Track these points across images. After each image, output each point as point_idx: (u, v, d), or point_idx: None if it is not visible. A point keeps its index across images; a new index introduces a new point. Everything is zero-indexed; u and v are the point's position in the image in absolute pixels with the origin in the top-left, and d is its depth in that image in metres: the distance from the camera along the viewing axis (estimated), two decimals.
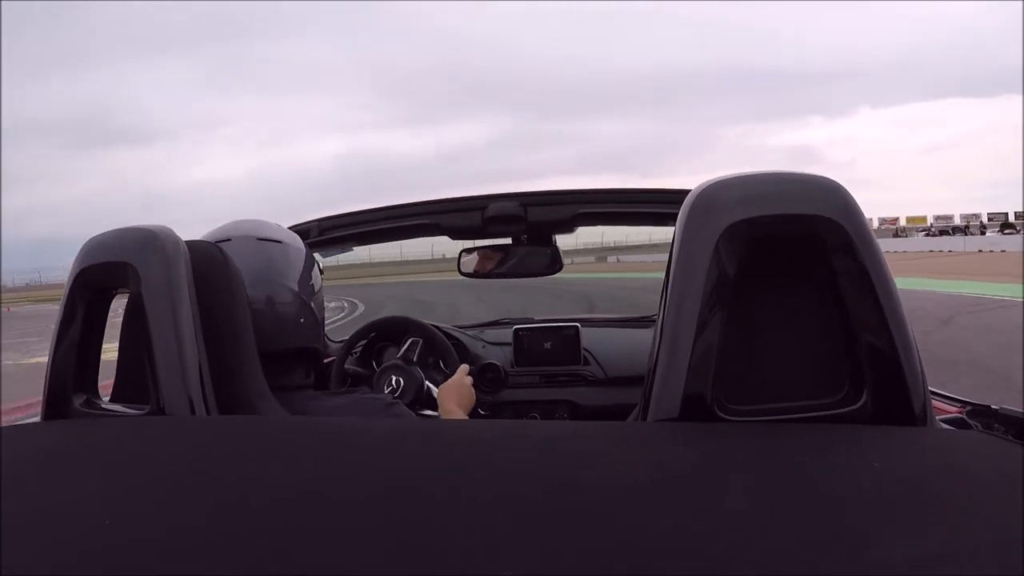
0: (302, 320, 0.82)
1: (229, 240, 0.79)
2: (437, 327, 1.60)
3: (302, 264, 0.84)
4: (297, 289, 0.82)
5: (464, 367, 1.26)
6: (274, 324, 0.78)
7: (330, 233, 1.34)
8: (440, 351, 1.49)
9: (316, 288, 0.87)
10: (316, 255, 1.00)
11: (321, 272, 0.91)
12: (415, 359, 1.39)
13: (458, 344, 1.67)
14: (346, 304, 15.22)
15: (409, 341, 1.45)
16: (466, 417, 1.11)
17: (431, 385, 1.33)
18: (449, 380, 1.20)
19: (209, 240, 0.79)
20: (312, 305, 0.85)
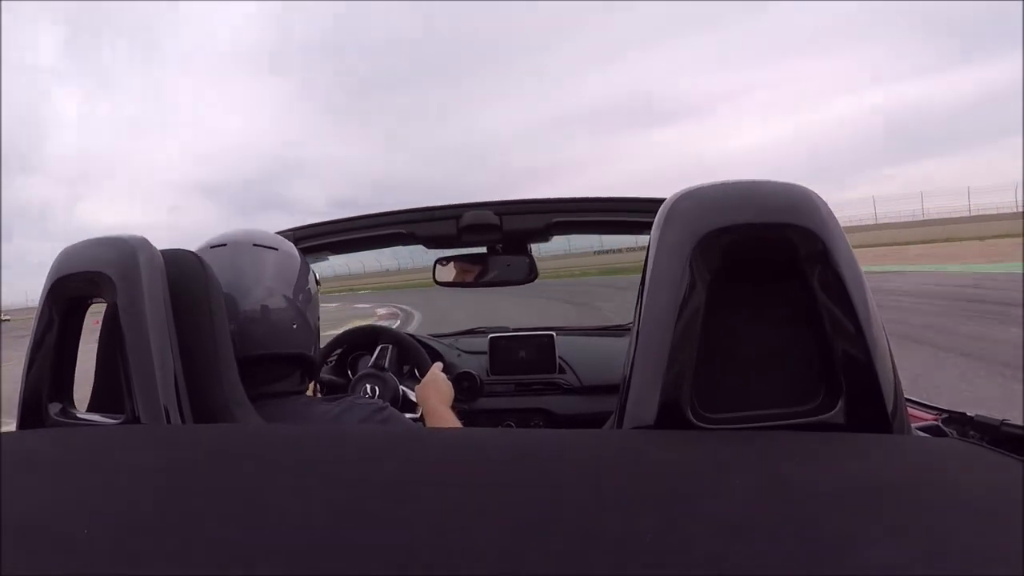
0: (295, 326, 0.82)
1: (225, 245, 0.79)
2: (412, 336, 1.60)
3: (296, 271, 0.84)
4: (291, 295, 0.82)
5: (437, 364, 1.27)
6: (266, 329, 0.78)
7: (305, 242, 1.33)
8: (412, 356, 1.50)
9: (311, 296, 0.87)
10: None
11: (318, 283, 0.92)
12: (387, 366, 1.40)
13: (433, 352, 1.67)
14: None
15: (379, 348, 1.45)
16: (450, 411, 1.10)
17: (406, 390, 1.33)
18: (424, 378, 1.20)
19: (206, 244, 0.80)
20: (306, 312, 0.85)
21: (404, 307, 15.65)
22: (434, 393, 1.15)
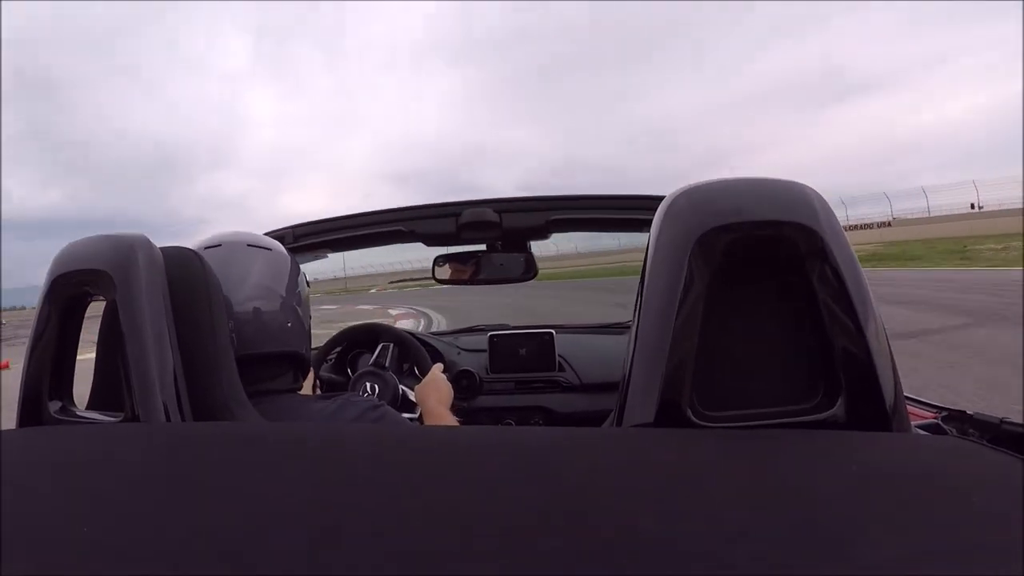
0: (289, 324, 0.84)
1: (219, 246, 0.81)
2: (412, 334, 1.60)
3: (288, 271, 0.87)
4: (284, 295, 0.84)
5: (438, 364, 1.27)
6: (261, 328, 0.80)
7: (305, 240, 1.33)
8: (413, 355, 1.50)
9: (302, 295, 0.89)
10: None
11: (308, 284, 0.94)
12: (387, 364, 1.40)
13: (433, 351, 1.67)
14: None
15: (380, 347, 1.45)
16: (448, 412, 1.11)
17: (406, 389, 1.33)
18: (424, 379, 1.21)
19: (200, 244, 0.81)
20: (299, 311, 0.87)
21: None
22: (433, 393, 1.16)
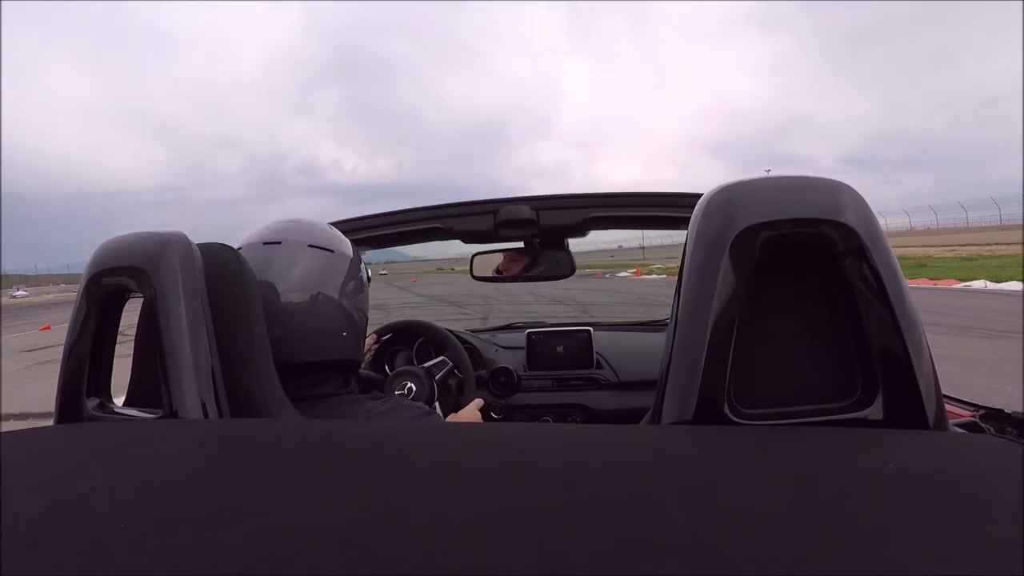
0: (344, 333, 0.81)
1: (280, 243, 0.78)
2: (451, 331, 1.60)
3: (347, 272, 0.82)
4: (343, 301, 0.81)
5: (479, 401, 1.22)
6: (315, 335, 0.77)
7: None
8: (465, 376, 1.42)
9: (361, 298, 0.85)
10: None
11: (369, 280, 0.90)
12: (438, 377, 1.33)
13: (471, 348, 1.68)
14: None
15: (440, 359, 1.40)
16: None
17: (438, 405, 1.30)
18: (462, 411, 1.17)
19: (259, 240, 0.78)
20: (355, 316, 0.83)
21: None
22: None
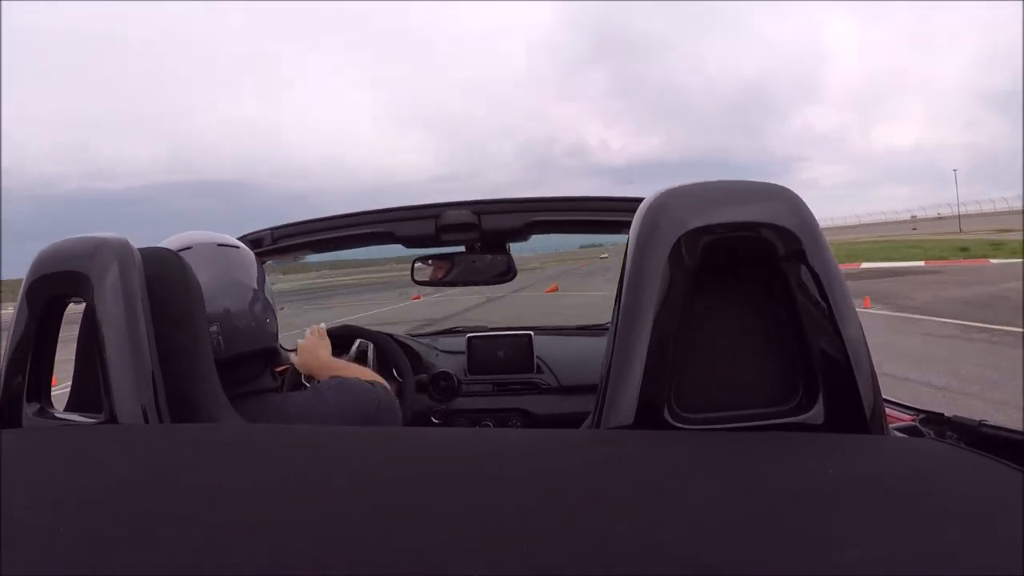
0: (268, 320, 0.85)
1: (190, 248, 0.80)
2: (390, 335, 1.59)
3: (257, 266, 0.87)
4: (261, 291, 0.85)
5: (312, 327, 1.15)
6: (246, 326, 0.81)
7: (284, 241, 1.31)
8: (393, 358, 1.49)
9: (269, 288, 0.90)
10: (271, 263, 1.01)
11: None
12: (369, 365, 1.38)
13: (411, 352, 1.66)
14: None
15: (358, 343, 1.45)
16: (343, 360, 1.10)
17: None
18: (301, 343, 1.11)
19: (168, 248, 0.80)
20: (272, 305, 0.88)
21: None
22: (318, 349, 1.08)
